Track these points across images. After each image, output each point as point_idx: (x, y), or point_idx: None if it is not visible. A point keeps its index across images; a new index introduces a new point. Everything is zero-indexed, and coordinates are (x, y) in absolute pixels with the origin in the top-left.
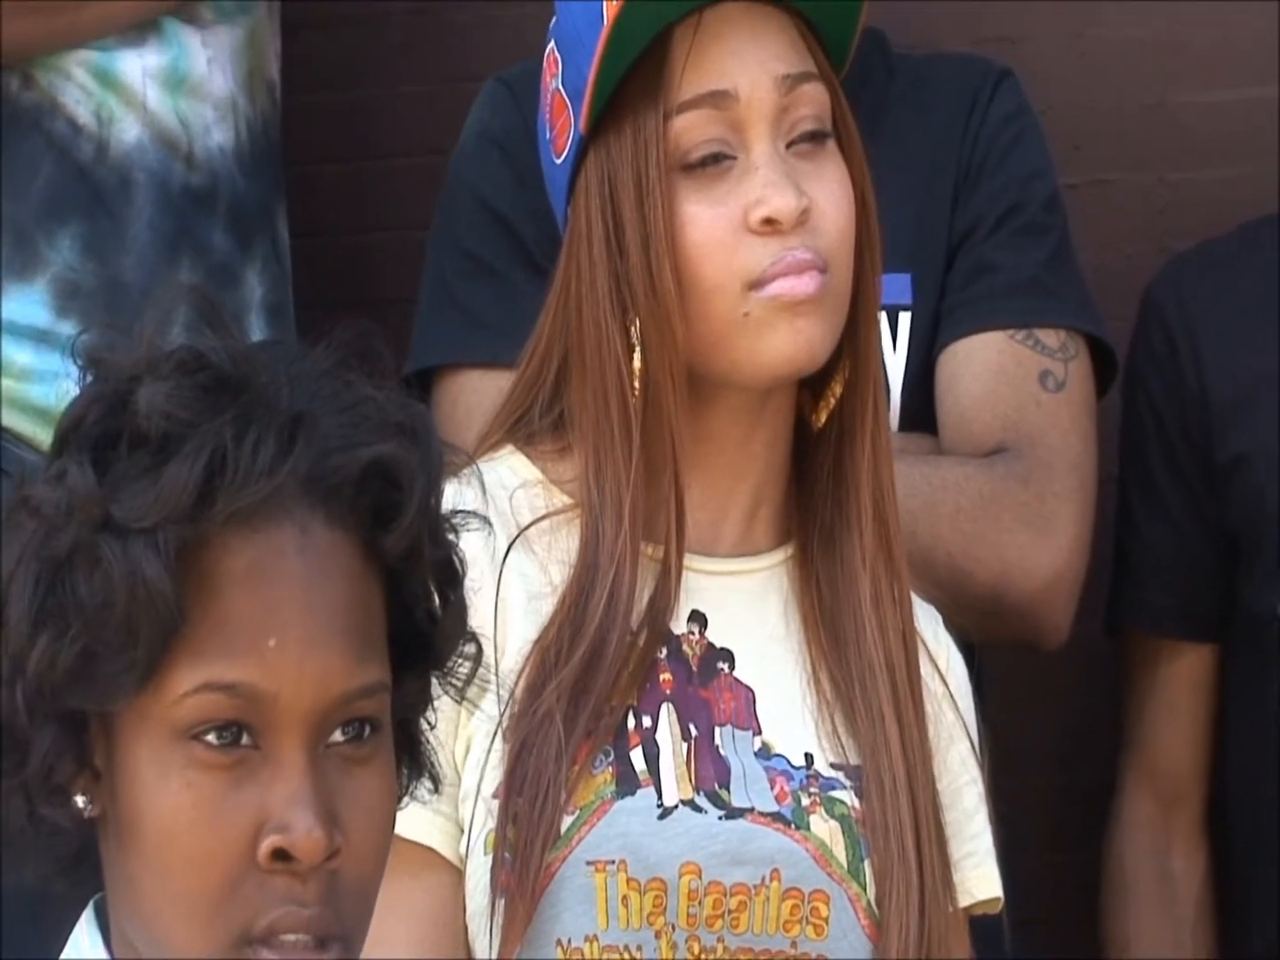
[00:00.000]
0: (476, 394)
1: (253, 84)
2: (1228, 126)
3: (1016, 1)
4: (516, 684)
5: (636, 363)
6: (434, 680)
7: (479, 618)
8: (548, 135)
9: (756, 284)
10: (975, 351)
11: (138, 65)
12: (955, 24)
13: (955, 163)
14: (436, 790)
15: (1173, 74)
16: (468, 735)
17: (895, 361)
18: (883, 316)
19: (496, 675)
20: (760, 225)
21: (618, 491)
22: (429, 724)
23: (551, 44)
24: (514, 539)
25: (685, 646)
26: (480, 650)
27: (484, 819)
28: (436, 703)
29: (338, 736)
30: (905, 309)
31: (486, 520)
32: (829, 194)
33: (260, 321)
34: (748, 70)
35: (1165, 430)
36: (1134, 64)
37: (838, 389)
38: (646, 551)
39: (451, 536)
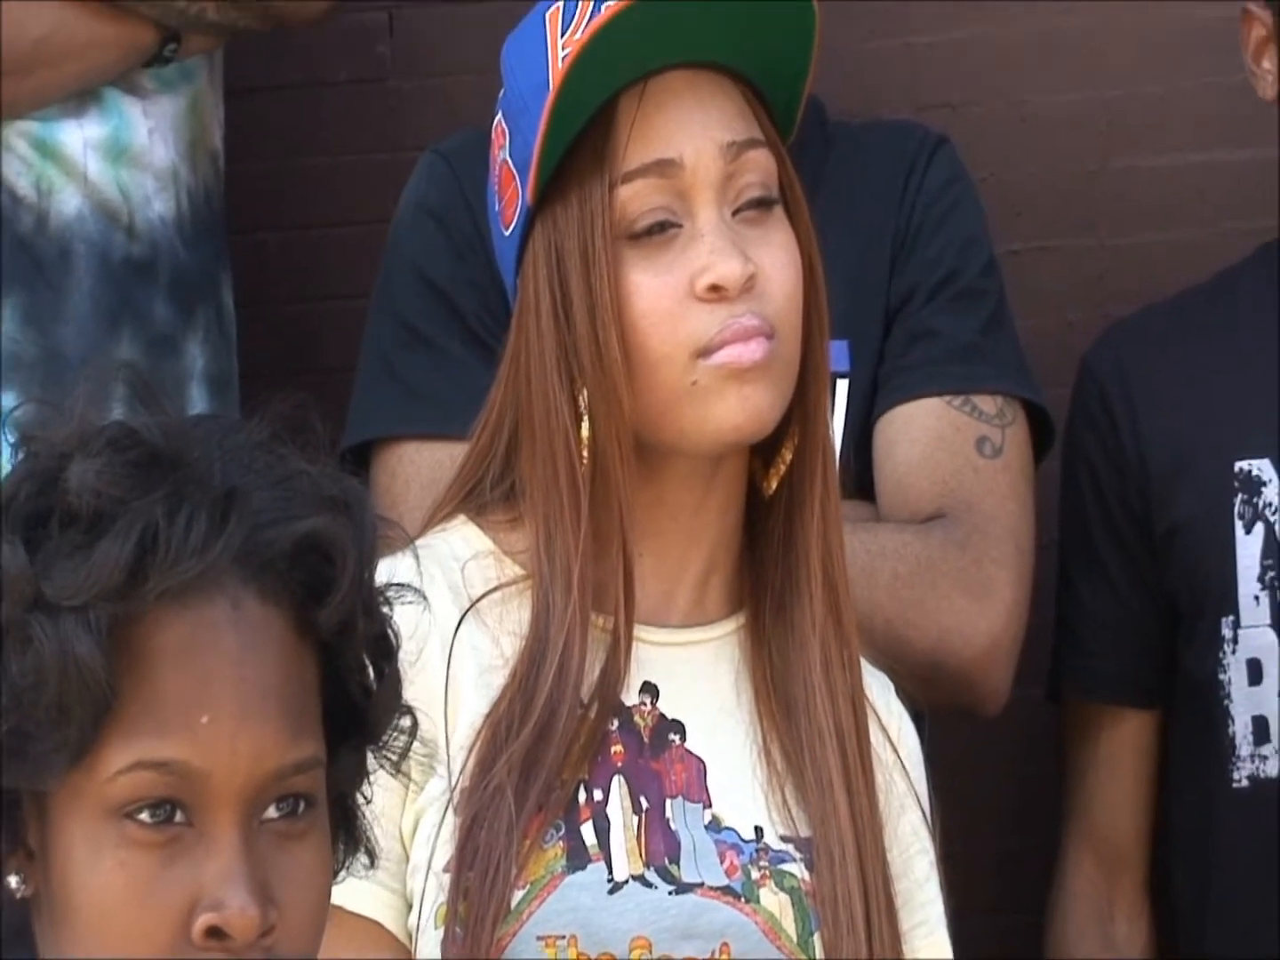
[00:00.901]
0: (415, 466)
1: (195, 153)
2: (1167, 191)
3: (957, 68)
4: (468, 758)
5: (584, 432)
6: (370, 754)
7: (430, 691)
8: (496, 207)
9: (704, 352)
10: (913, 418)
11: (78, 136)
12: (896, 90)
13: (892, 229)
14: (373, 865)
15: (1112, 139)
16: (417, 809)
17: (834, 428)
18: None
19: (448, 749)
20: (706, 293)
21: (567, 562)
22: (365, 798)
23: (499, 116)
24: (465, 612)
25: (637, 718)
26: (416, 724)
27: (435, 893)
28: (383, 777)
29: (272, 813)
30: (843, 376)
31: (421, 594)
32: (775, 260)
33: (202, 392)
34: (693, 138)
35: (1105, 497)
36: (1073, 130)
37: (788, 455)
38: (597, 623)
39: (386, 610)
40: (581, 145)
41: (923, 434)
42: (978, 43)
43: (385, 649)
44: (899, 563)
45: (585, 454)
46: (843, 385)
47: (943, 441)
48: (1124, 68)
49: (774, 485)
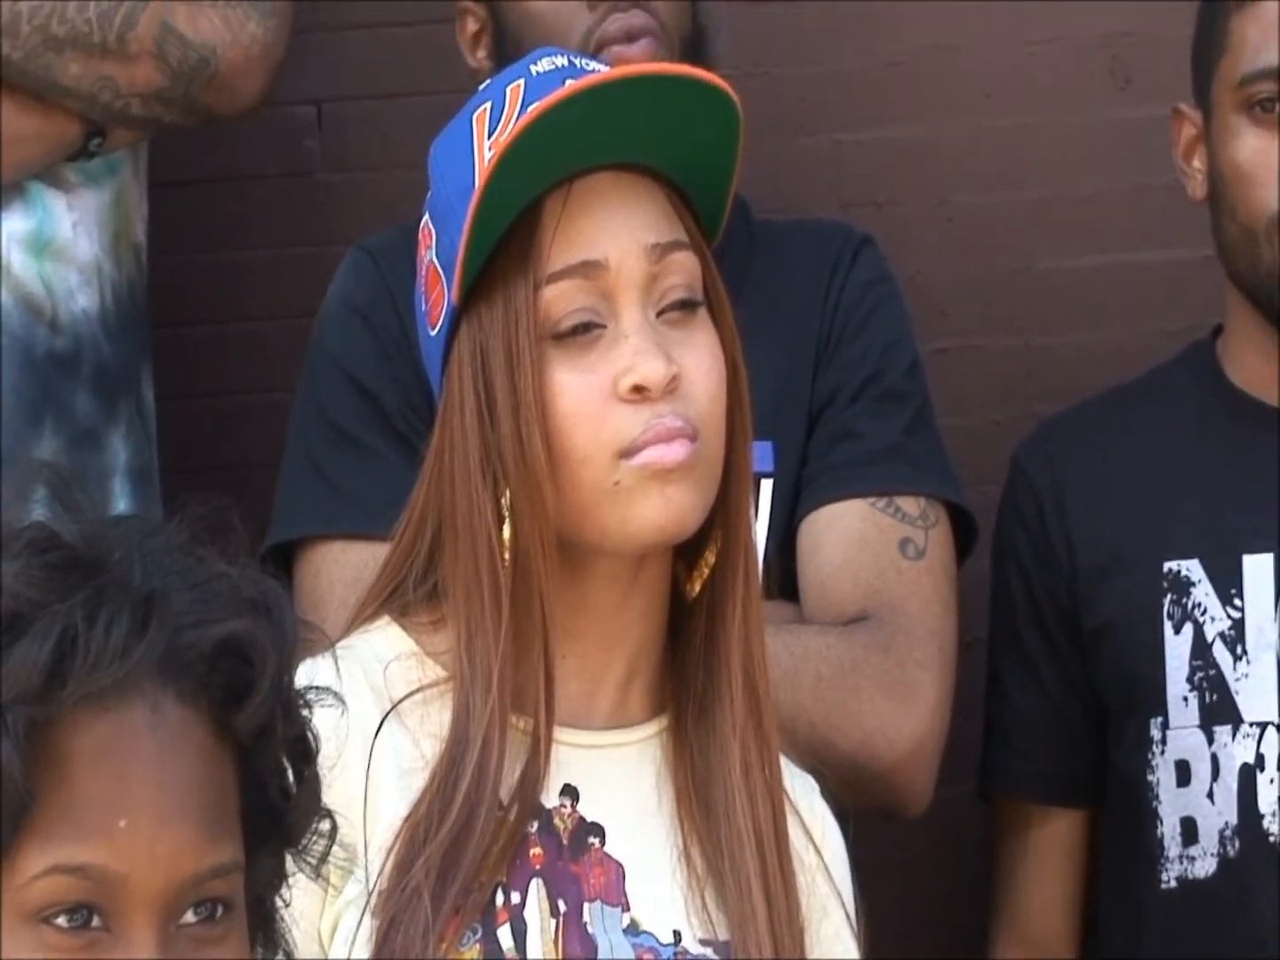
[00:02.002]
0: (339, 565)
1: (118, 247)
2: (1092, 291)
3: (883, 167)
4: (386, 860)
5: (506, 533)
6: (289, 857)
7: (349, 794)
8: (423, 307)
9: (627, 452)
10: (836, 519)
11: (1, 229)
12: (822, 188)
13: (816, 330)
14: None
15: (1037, 239)
16: (336, 911)
17: (758, 529)
18: None
19: (366, 852)
20: (630, 393)
21: (487, 663)
22: (284, 901)
23: (426, 217)
24: (386, 714)
25: (557, 820)
26: (335, 827)
27: None
28: (303, 879)
29: (189, 917)
30: (767, 476)
31: (340, 698)
32: (699, 362)
33: (124, 486)
34: (617, 240)
35: (1035, 596)
36: (999, 230)
37: (711, 558)
38: (518, 725)
39: (306, 713)
40: (507, 246)
41: (846, 536)
42: (904, 142)
43: (304, 752)
44: (822, 665)
45: (507, 555)
46: (767, 485)
47: (866, 543)
48: (1049, 169)
49: (697, 588)
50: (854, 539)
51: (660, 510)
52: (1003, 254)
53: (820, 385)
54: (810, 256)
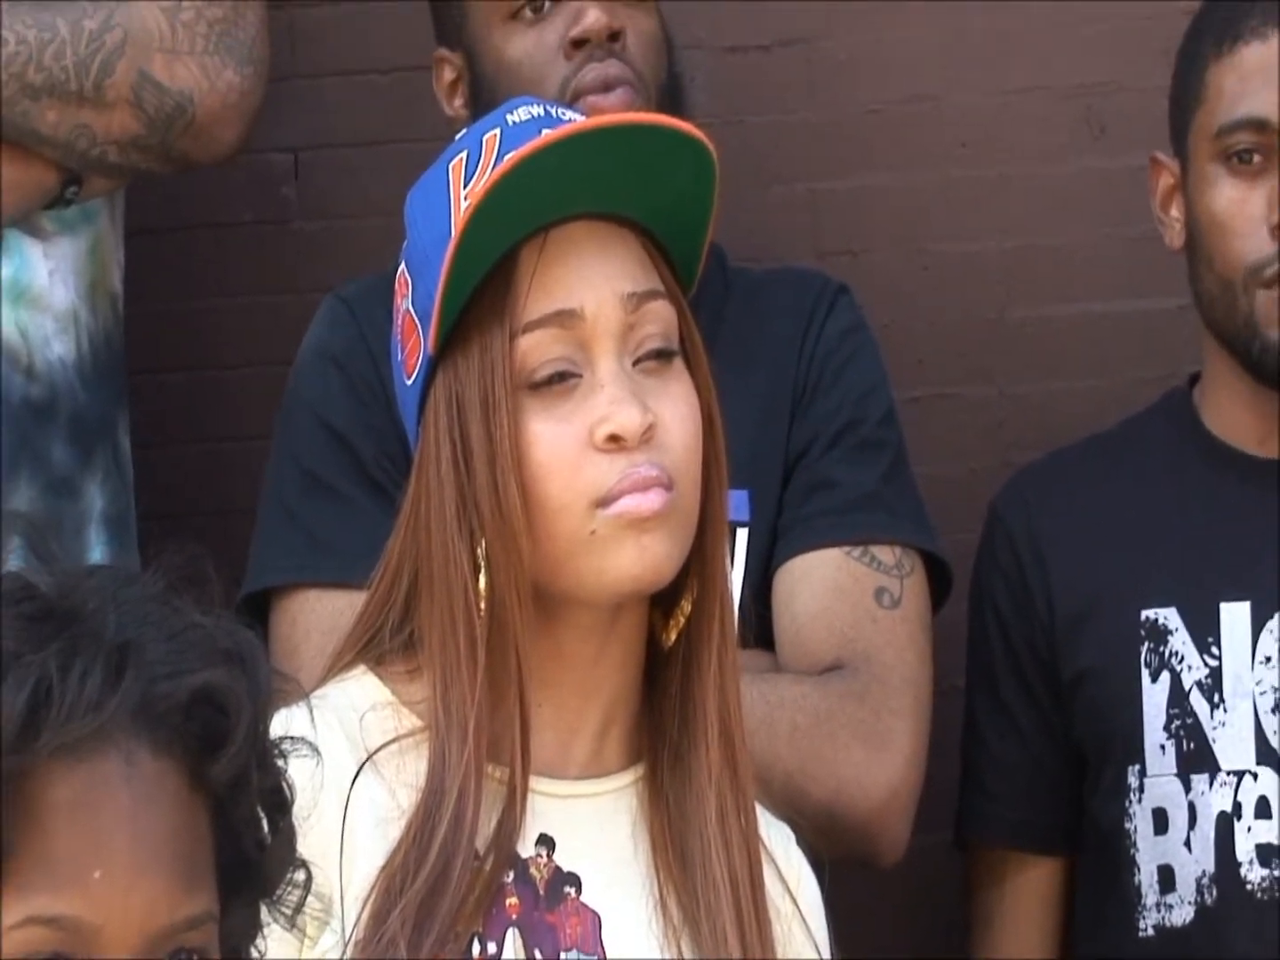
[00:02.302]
0: (315, 614)
1: (95, 295)
2: (1066, 341)
3: (859, 216)
4: (362, 910)
5: (482, 583)
6: (264, 908)
7: (325, 844)
8: (399, 356)
9: (603, 502)
10: (812, 568)
11: None
12: (798, 237)
13: (792, 379)
14: None
15: (1012, 289)
16: None
17: (734, 577)
18: None
19: (342, 902)
20: (605, 443)
21: (463, 713)
22: (259, 951)
23: (402, 265)
24: (362, 764)
25: (533, 870)
26: (310, 878)
27: None
28: (278, 930)
29: None
30: (743, 525)
31: (315, 748)
32: (674, 411)
33: (101, 533)
34: (593, 289)
35: (1012, 645)
36: (975, 279)
37: (687, 607)
38: (494, 774)
39: (281, 763)
40: (483, 295)
41: (822, 585)
42: (880, 191)
43: (279, 802)
44: (798, 714)
45: (483, 605)
46: (743, 534)
47: (841, 592)
48: (1024, 218)
49: (673, 637)
50: (830, 588)
51: (636, 560)
52: (978, 303)
53: (796, 434)
54: (786, 305)
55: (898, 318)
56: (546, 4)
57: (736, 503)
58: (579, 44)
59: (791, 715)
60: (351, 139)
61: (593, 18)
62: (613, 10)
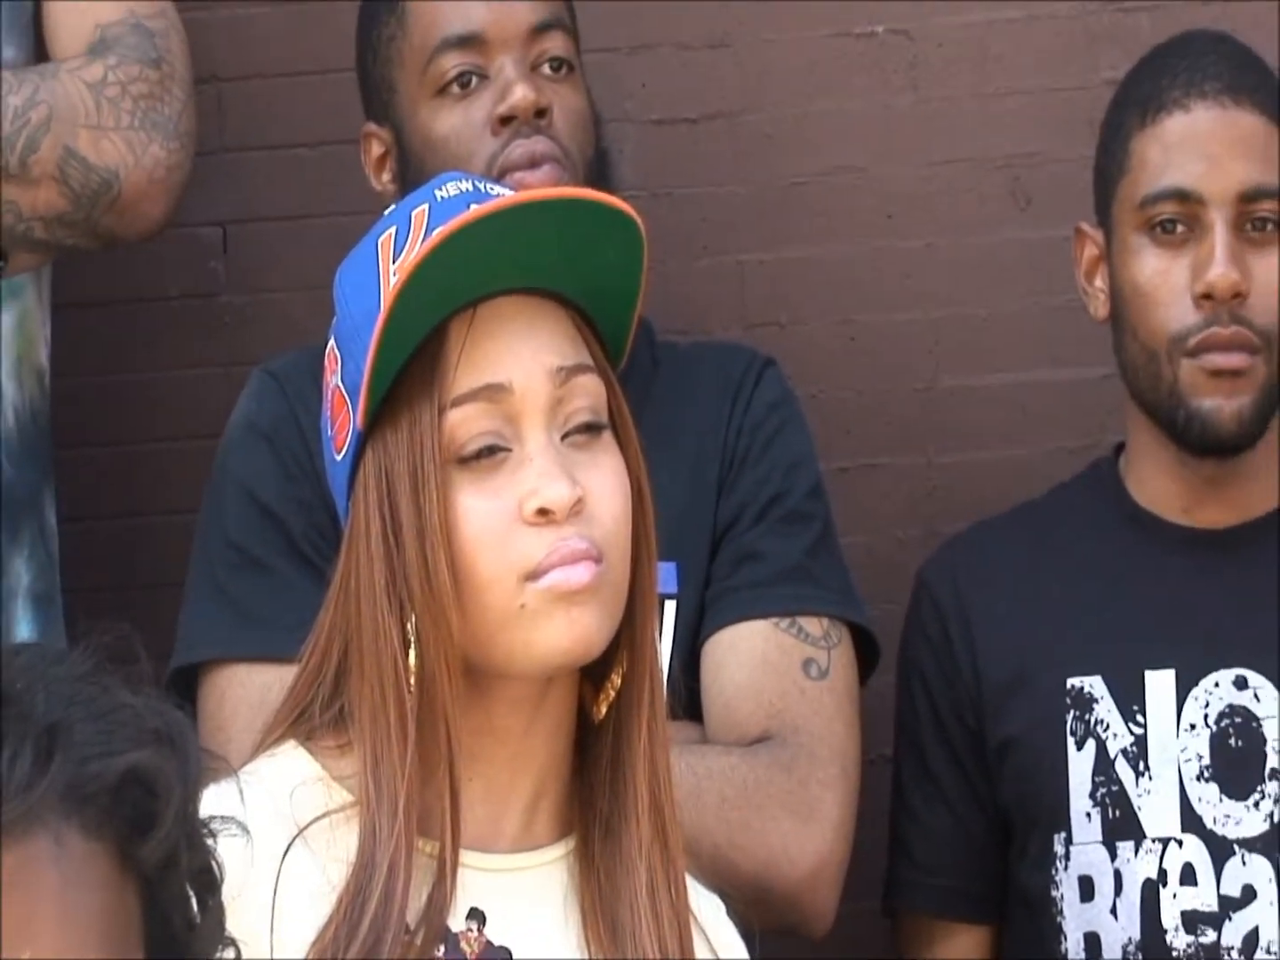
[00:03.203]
0: (244, 688)
1: (21, 371)
2: (993, 410)
3: (786, 287)
4: None
5: (412, 658)
6: None
7: (255, 922)
8: (329, 432)
9: (532, 575)
10: (740, 640)
11: None
12: (725, 308)
13: (719, 451)
14: None
15: (939, 359)
16: None
17: (662, 649)
18: None
19: None
20: (534, 516)
21: (394, 787)
22: None
23: (331, 341)
24: (293, 839)
25: (464, 944)
26: (239, 956)
27: None
28: None
29: None
30: (671, 597)
31: (244, 827)
32: (604, 484)
33: (27, 610)
34: (522, 363)
35: (939, 714)
36: (902, 349)
37: (617, 680)
38: (425, 849)
39: (210, 842)
40: (412, 370)
41: (749, 656)
42: (807, 262)
43: (209, 882)
44: (726, 785)
45: (413, 680)
46: (671, 606)
47: (769, 664)
48: (950, 288)
49: (603, 711)
50: (757, 659)
51: (565, 632)
52: (906, 373)
53: (724, 507)
54: (713, 379)
55: (826, 388)
56: (474, 80)
57: (664, 575)
58: (506, 120)
59: (720, 787)
60: (280, 213)
61: (519, 94)
62: (539, 87)
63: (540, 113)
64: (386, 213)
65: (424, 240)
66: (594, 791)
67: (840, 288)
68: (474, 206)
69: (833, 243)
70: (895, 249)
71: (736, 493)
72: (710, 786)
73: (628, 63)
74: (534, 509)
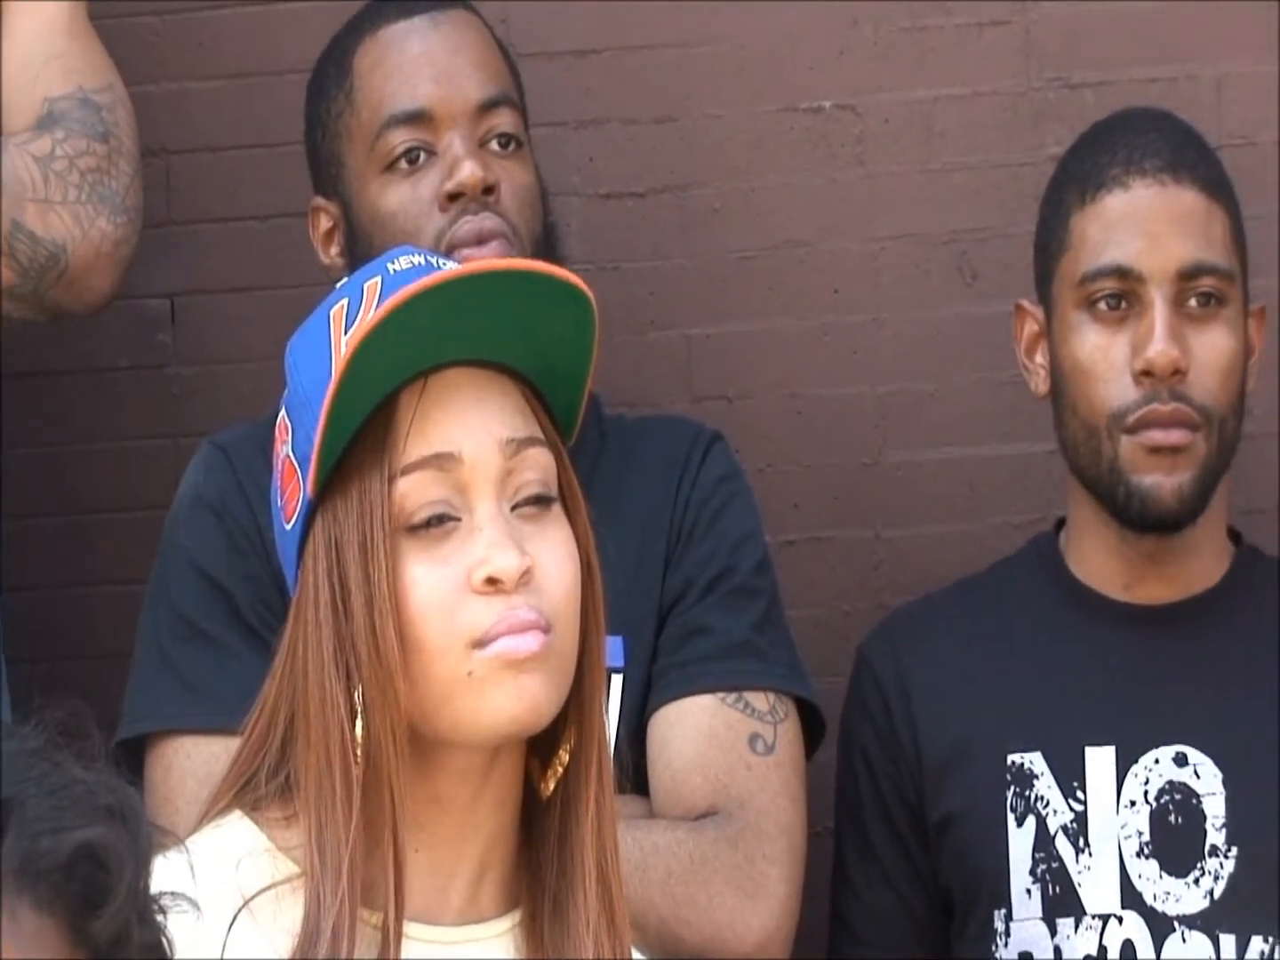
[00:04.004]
0: (190, 760)
1: None
2: (939, 485)
3: (733, 361)
4: None
5: (359, 728)
6: None
7: None
8: (278, 503)
9: (480, 643)
10: (686, 715)
11: None
12: (673, 382)
13: (666, 526)
14: None
15: (886, 433)
16: None
17: (609, 724)
18: None
19: None
20: (483, 585)
21: (338, 857)
22: None
23: (282, 412)
24: (238, 911)
25: None
26: None
27: None
28: None
29: None
30: (617, 672)
31: (193, 902)
32: (553, 555)
33: None
34: (472, 433)
35: (880, 790)
36: (849, 423)
37: (565, 756)
38: (370, 920)
39: (160, 917)
40: (362, 439)
41: (696, 731)
42: (754, 336)
43: (159, 957)
44: (672, 860)
45: (359, 750)
46: (617, 680)
47: (715, 739)
48: (897, 363)
49: (550, 786)
50: (704, 734)
51: (513, 700)
52: (853, 447)
53: (671, 581)
54: (661, 453)
55: (773, 462)
56: (422, 156)
57: (611, 649)
58: (454, 197)
59: (666, 862)
60: (228, 285)
61: (467, 171)
62: (487, 164)
63: (488, 189)
64: (339, 285)
65: (376, 311)
66: (541, 866)
67: (787, 362)
68: (425, 277)
69: (780, 317)
70: (842, 323)
71: (683, 568)
72: (657, 861)
73: (575, 137)
74: (483, 578)
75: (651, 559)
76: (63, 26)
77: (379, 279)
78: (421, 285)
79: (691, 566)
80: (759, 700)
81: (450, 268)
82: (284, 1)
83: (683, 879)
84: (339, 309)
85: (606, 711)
